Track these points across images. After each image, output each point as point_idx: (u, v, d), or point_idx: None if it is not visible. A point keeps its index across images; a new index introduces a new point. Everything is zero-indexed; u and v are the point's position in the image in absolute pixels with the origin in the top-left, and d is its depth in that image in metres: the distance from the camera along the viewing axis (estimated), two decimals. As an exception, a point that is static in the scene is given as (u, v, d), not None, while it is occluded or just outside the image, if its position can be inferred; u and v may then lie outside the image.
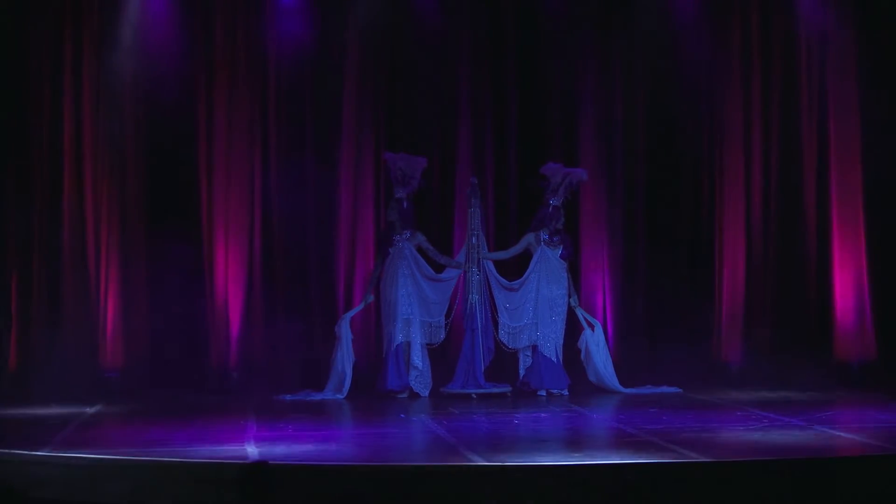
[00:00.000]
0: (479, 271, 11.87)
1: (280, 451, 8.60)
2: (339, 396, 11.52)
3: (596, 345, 11.95)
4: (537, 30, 12.75)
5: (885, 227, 12.74)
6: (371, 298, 11.94)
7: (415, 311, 11.68)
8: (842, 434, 9.24)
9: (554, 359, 11.76)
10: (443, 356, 12.03)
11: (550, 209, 11.90)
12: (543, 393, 11.68)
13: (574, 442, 9.56)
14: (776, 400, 11.07)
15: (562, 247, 11.93)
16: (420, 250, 11.82)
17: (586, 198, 12.56)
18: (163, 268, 12.02)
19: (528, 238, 12.00)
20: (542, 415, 10.60)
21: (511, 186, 12.66)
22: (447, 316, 11.85)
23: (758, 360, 12.53)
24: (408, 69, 12.63)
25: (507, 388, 11.78)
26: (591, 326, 12.03)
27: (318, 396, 11.54)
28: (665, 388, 11.86)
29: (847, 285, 12.73)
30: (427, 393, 11.66)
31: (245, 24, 12.37)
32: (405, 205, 11.80)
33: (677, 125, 12.84)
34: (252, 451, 8.56)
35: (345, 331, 11.67)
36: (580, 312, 12.09)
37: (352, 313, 11.94)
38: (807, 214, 12.80)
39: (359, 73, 12.52)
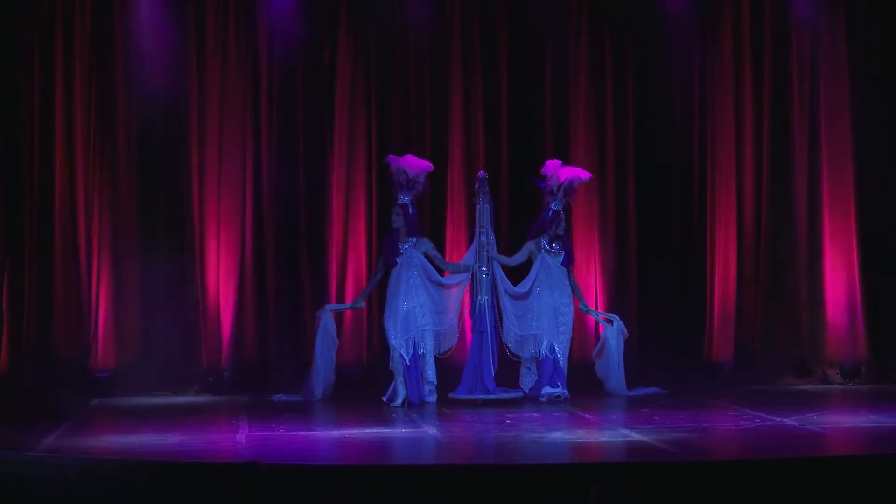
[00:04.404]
0: (489, 271, 11.45)
1: (272, 451, 8.60)
2: (313, 398, 11.32)
3: (615, 339, 11.68)
4: (529, 30, 12.75)
5: (876, 227, 12.77)
6: (362, 304, 11.76)
7: (427, 323, 11.21)
8: (833, 433, 9.25)
9: (556, 364, 11.40)
10: (443, 360, 11.67)
11: (550, 213, 11.59)
12: (543, 398, 11.34)
13: (566, 442, 9.56)
14: (768, 399, 11.08)
15: (563, 254, 11.61)
16: (427, 257, 11.38)
17: (578, 201, 12.54)
18: (154, 267, 12.01)
19: (529, 246, 11.65)
20: (535, 415, 10.60)
21: (503, 187, 12.55)
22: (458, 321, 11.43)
23: (749, 360, 12.55)
24: (400, 67, 12.62)
25: (517, 394, 11.36)
26: (610, 322, 11.80)
27: (295, 397, 11.41)
28: (652, 390, 11.79)
29: (838, 285, 12.76)
30: (435, 399, 11.24)
31: (236, 20, 12.35)
32: (410, 210, 11.36)
33: (669, 126, 12.85)
34: (244, 451, 8.55)
35: (324, 322, 11.38)
36: (594, 313, 11.99)
37: (336, 307, 11.75)
38: (798, 214, 12.83)
39: (350, 72, 12.50)
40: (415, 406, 11.09)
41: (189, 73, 12.26)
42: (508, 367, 11.56)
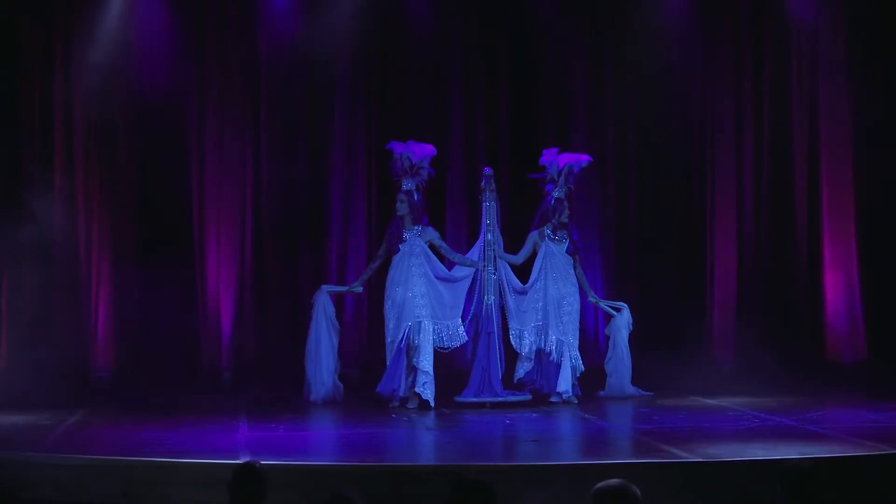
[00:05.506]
0: (496, 270, 11.06)
1: (271, 451, 8.60)
2: (317, 399, 10.99)
3: (626, 328, 11.49)
4: (529, 27, 12.75)
5: (875, 227, 12.77)
6: (359, 289, 11.40)
7: (427, 314, 10.86)
8: (832, 434, 9.25)
9: (566, 362, 11.12)
10: (446, 363, 11.54)
11: (553, 201, 11.27)
12: (556, 399, 11.11)
13: (565, 442, 9.56)
14: (767, 400, 11.07)
15: (567, 241, 11.28)
16: (432, 247, 11.05)
17: (578, 199, 12.51)
18: (154, 267, 12.00)
19: (533, 237, 11.33)
20: (534, 415, 10.58)
21: (504, 182, 12.43)
22: (463, 318, 11.01)
23: (749, 361, 12.54)
24: (399, 61, 12.61)
25: (526, 396, 11.01)
26: (619, 310, 11.59)
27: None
28: (648, 393, 11.63)
29: (838, 286, 12.76)
30: (433, 401, 10.80)
31: (236, 20, 12.35)
32: (416, 197, 10.97)
33: (669, 126, 12.85)
34: (243, 451, 8.55)
35: (322, 303, 11.06)
36: (603, 305, 11.78)
37: (333, 288, 11.48)
38: (798, 215, 12.84)
39: (350, 66, 12.49)
40: (400, 398, 10.79)
41: (189, 73, 12.26)
42: (511, 369, 11.32)
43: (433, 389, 10.87)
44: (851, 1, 12.79)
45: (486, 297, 11.08)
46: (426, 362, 10.83)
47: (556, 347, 11.17)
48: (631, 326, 11.63)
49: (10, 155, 11.96)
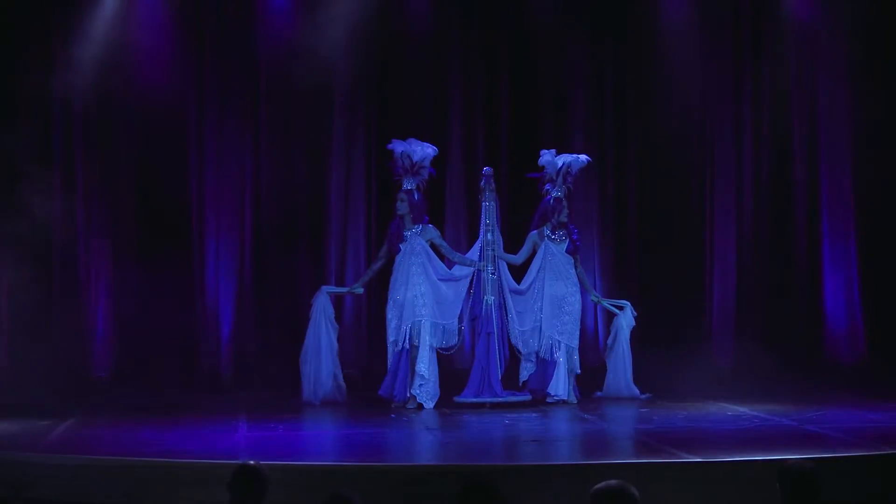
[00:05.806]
0: (495, 270, 11.07)
1: (271, 451, 8.59)
2: (315, 401, 10.98)
3: (624, 326, 11.47)
4: (529, 27, 12.74)
5: (875, 227, 12.78)
6: (360, 290, 11.43)
7: (426, 313, 10.85)
8: (832, 434, 9.25)
9: (561, 362, 11.09)
10: (446, 363, 11.48)
11: (552, 201, 11.26)
12: (551, 399, 11.06)
13: (565, 442, 9.56)
14: (767, 400, 11.07)
15: (567, 241, 11.28)
16: (432, 246, 11.03)
17: (577, 198, 12.51)
18: (153, 268, 12.00)
19: (533, 237, 11.32)
20: (534, 415, 10.58)
21: (503, 182, 12.41)
22: (460, 319, 11.00)
23: (749, 361, 12.54)
24: (399, 61, 12.60)
25: (526, 397, 10.99)
26: (621, 308, 11.55)
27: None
28: (646, 396, 11.60)
29: (838, 287, 12.76)
30: (433, 405, 10.78)
31: (236, 17, 12.34)
32: (416, 196, 10.97)
33: (668, 128, 12.84)
34: (243, 451, 8.55)
35: (322, 304, 11.04)
36: (606, 303, 11.76)
37: (332, 289, 11.46)
38: (797, 215, 12.84)
39: (350, 66, 12.48)
40: (400, 402, 10.82)
41: (189, 72, 12.25)
42: (516, 369, 11.31)
43: (430, 392, 10.88)
44: (851, 1, 12.78)
45: (485, 297, 11.06)
46: (423, 365, 10.83)
47: (548, 347, 11.15)
48: (633, 323, 11.61)
49: (9, 153, 11.95)
